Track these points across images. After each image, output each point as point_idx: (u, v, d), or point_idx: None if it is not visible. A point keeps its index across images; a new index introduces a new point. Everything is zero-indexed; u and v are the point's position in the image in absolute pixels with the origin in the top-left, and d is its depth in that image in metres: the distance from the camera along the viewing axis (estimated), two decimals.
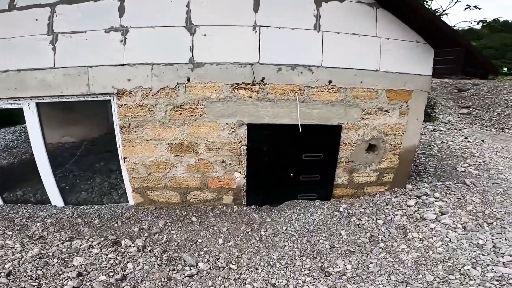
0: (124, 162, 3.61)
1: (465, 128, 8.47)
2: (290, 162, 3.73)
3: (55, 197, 3.74)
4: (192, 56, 3.29)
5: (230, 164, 3.65)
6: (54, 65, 3.30)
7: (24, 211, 3.61)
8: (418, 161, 5.21)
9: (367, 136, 3.70)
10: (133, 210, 3.67)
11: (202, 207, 3.79)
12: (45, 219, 3.41)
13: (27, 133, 3.59)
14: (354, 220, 3.40)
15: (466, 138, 7.17)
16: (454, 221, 3.21)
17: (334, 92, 3.48)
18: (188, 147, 3.55)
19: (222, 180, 3.73)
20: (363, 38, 3.47)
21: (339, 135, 3.63)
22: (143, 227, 3.33)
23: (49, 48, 3.30)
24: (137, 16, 3.29)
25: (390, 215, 3.46)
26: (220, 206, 3.82)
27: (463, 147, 6.20)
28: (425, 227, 3.17)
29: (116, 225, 3.37)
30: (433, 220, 3.27)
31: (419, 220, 3.31)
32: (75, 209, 3.65)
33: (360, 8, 3.47)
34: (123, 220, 3.46)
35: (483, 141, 6.88)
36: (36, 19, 3.34)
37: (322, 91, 3.46)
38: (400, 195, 3.89)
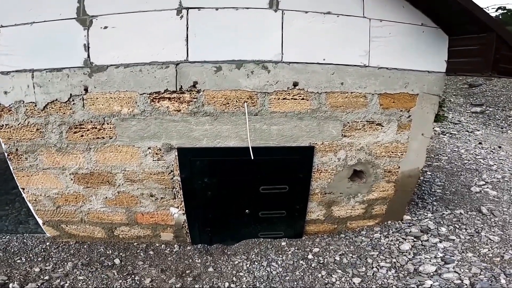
0: (24, 193, 2.73)
1: (478, 130, 7.21)
2: (244, 196, 2.74)
3: None
4: (88, 56, 2.25)
5: (162, 198, 2.69)
6: None
7: None
8: (422, 177, 4.15)
9: (350, 160, 2.65)
10: (47, 243, 2.94)
11: (135, 243, 2.93)
12: None
13: None
14: (322, 277, 2.45)
15: (480, 143, 6.01)
16: (460, 275, 2.24)
17: (302, 99, 2.40)
18: (100, 178, 2.60)
19: (154, 215, 2.80)
20: (343, 20, 2.35)
21: (311, 159, 2.59)
22: (47, 267, 2.60)
23: None
24: (9, 9, 2.26)
25: (373, 267, 2.50)
26: (158, 244, 2.94)
27: (478, 157, 5.08)
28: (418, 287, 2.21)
29: (19, 261, 2.69)
30: (431, 275, 2.29)
31: (412, 275, 2.35)
32: None
33: None
34: (31, 256, 2.77)
35: (500, 147, 5.73)
36: None
37: (284, 99, 2.38)
38: (393, 232, 2.92)
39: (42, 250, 2.85)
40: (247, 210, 2.79)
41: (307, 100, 2.41)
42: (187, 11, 2.22)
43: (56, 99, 2.32)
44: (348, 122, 2.52)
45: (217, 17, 2.24)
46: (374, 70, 2.44)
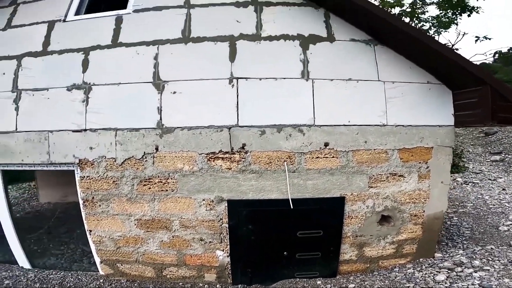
0: (90, 234, 3.15)
1: (500, 178, 7.30)
2: (283, 240, 3.06)
3: (21, 259, 3.43)
4: (161, 119, 2.82)
5: (210, 242, 3.05)
6: (16, 129, 2.97)
7: None
8: (449, 222, 4.33)
9: (378, 207, 2.98)
10: (101, 281, 3.22)
11: (180, 283, 3.21)
12: (3, 280, 3.11)
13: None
14: None
15: (503, 189, 6.14)
16: None
17: (333, 157, 2.83)
18: (160, 224, 3.01)
19: (202, 257, 3.12)
20: (362, 84, 2.87)
21: (342, 208, 2.94)
22: None
23: (12, 107, 3.00)
24: (102, 70, 2.93)
25: None
26: (201, 285, 3.21)
27: (502, 201, 5.21)
28: None
29: None
30: None
31: None
32: (39, 273, 3.31)
33: (355, 47, 2.92)
34: None
35: None
36: (3, 73, 3.09)
37: (317, 157, 2.83)
38: (426, 267, 3.06)
39: (97, 287, 3.14)
40: (285, 252, 3.10)
41: (337, 158, 2.84)
42: (237, 80, 2.79)
43: (133, 156, 2.85)
44: (373, 175, 2.90)
45: (261, 86, 2.79)
46: (392, 128, 2.87)
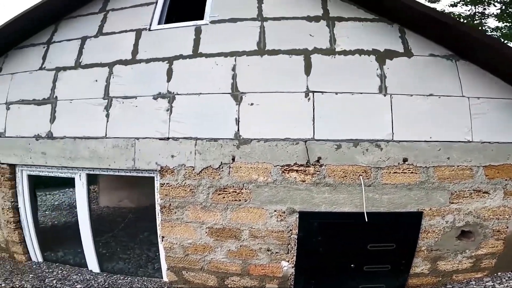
0: (162, 241, 3.30)
1: None
2: (351, 253, 3.01)
3: (92, 262, 3.62)
4: (238, 130, 2.92)
5: (276, 252, 3.07)
6: (106, 135, 3.22)
7: (59, 271, 3.54)
8: None
9: (458, 222, 2.83)
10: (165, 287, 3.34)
11: None
12: (75, 284, 3.28)
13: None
14: None
15: None
16: None
17: (411, 172, 2.75)
18: (229, 233, 3.09)
19: (266, 268, 3.15)
20: (445, 100, 2.77)
21: (419, 222, 2.84)
22: None
23: (103, 114, 3.26)
24: (184, 79, 3.11)
25: None
26: None
27: None
28: None
29: None
30: None
31: None
32: (108, 278, 3.49)
33: (435, 62, 2.86)
34: None
35: None
36: (96, 80, 3.38)
37: (394, 173, 2.76)
38: (506, 280, 2.87)
39: None
40: (352, 265, 3.04)
41: (416, 173, 2.76)
42: (313, 94, 2.83)
43: (210, 166, 2.97)
44: (455, 191, 2.77)
45: (337, 100, 2.80)
46: (477, 145, 2.74)
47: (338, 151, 2.78)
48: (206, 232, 3.14)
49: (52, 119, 3.39)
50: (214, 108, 3.00)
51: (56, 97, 3.44)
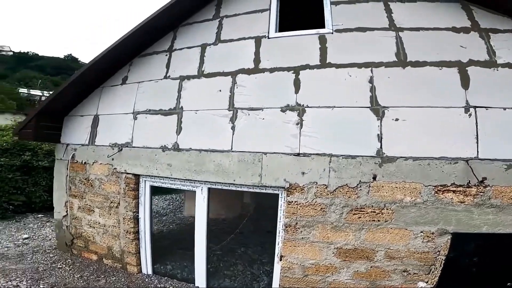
0: (280, 260, 3.17)
1: None
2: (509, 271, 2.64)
3: (200, 278, 3.56)
4: (381, 147, 2.72)
5: (414, 273, 2.77)
6: (232, 148, 3.21)
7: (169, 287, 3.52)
8: None
9: None
10: None
11: None
12: None
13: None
14: None
15: None
16: None
17: None
18: (361, 254, 2.88)
19: None
20: None
21: None
22: None
23: (228, 126, 3.26)
24: (313, 91, 3.00)
25: None
26: None
27: None
28: None
29: None
30: None
31: None
32: None
33: None
34: None
35: None
36: (219, 90, 3.40)
37: None
38: None
39: None
40: (508, 283, 2.64)
41: None
42: (475, 109, 2.53)
43: (346, 184, 2.81)
44: None
45: (505, 116, 2.48)
46: None
47: (508, 171, 2.43)
48: (333, 253, 2.96)
49: (178, 130, 3.51)
50: (350, 123, 2.84)
51: (182, 107, 3.56)
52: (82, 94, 4.21)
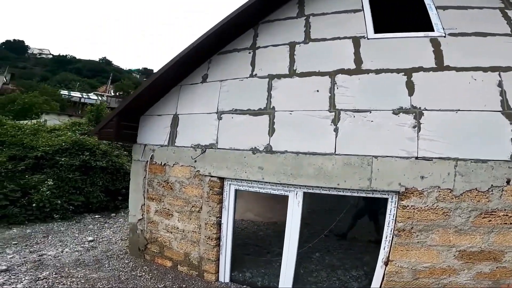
0: (385, 265, 3.02)
1: None
2: None
3: (287, 286, 3.38)
4: None
5: None
6: (335, 151, 3.06)
7: None
8: None
9: None
10: None
11: None
12: None
13: None
14: None
15: None
16: None
17: None
18: (487, 256, 2.71)
19: None
20: None
21: None
22: None
23: (330, 128, 3.11)
24: (430, 94, 2.83)
25: None
26: None
27: None
28: None
29: None
30: None
31: None
32: None
33: None
34: None
35: None
36: (317, 90, 3.25)
37: None
38: None
39: None
40: None
41: None
42: None
43: (475, 188, 2.63)
44: None
45: None
46: None
47: None
48: (454, 255, 2.80)
49: (271, 131, 3.36)
50: (479, 127, 2.66)
51: (274, 107, 3.40)
52: (158, 93, 4.07)
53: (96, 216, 6.54)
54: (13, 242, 4.64)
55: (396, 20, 3.70)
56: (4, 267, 3.66)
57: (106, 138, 4.36)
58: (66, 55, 63.95)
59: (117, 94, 34.76)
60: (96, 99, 29.33)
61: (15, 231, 5.18)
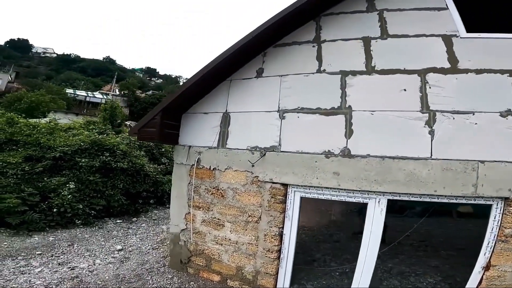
0: (485, 270, 2.66)
1: None
2: None
3: None
4: None
5: None
6: (431, 155, 2.66)
7: None
8: None
9: None
10: None
11: None
12: None
13: None
14: None
15: None
16: None
17: None
18: None
19: None
20: None
21: None
22: None
23: (424, 131, 2.72)
24: None
25: None
26: None
27: None
28: None
29: None
30: None
31: None
32: None
33: None
34: None
35: None
36: (404, 89, 2.85)
37: None
38: None
39: None
40: None
41: None
42: None
43: None
44: None
45: None
46: None
47: None
48: None
49: (348, 133, 2.93)
50: None
51: (350, 106, 2.98)
52: (204, 88, 3.63)
53: (118, 221, 6.09)
54: (36, 252, 4.20)
55: (485, 20, 3.29)
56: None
57: (147, 138, 3.89)
58: (70, 54, 63.65)
59: (122, 93, 34.31)
60: (101, 98, 28.88)
61: (36, 239, 4.73)
